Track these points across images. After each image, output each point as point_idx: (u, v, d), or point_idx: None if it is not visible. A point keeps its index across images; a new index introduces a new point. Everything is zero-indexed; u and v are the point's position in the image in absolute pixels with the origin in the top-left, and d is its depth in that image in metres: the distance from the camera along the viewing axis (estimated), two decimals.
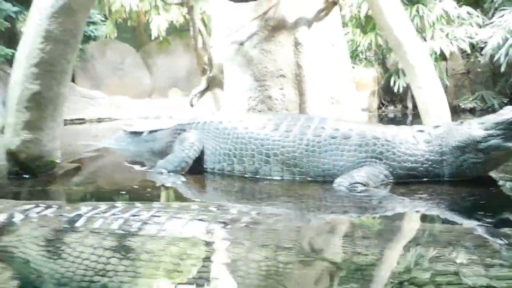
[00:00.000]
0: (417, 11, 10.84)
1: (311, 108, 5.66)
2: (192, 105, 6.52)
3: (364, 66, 12.33)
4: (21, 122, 4.08)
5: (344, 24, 10.75)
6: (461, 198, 3.49)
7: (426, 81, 5.95)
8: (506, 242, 2.16)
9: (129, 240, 2.21)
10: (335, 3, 6.11)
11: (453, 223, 2.97)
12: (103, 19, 11.90)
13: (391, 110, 13.10)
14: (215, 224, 2.28)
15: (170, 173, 4.26)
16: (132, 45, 14.37)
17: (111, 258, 2.12)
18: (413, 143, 3.82)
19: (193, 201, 3.55)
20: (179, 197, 3.78)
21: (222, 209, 2.50)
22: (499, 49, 10.22)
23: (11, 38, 9.57)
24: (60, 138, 4.51)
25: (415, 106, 12.73)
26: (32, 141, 4.13)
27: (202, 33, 6.11)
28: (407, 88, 12.30)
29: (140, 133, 5.69)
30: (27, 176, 4.28)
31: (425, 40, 10.83)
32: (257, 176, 4.06)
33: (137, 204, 2.62)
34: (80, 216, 2.44)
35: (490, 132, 3.64)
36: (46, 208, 2.60)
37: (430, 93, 5.93)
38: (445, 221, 2.99)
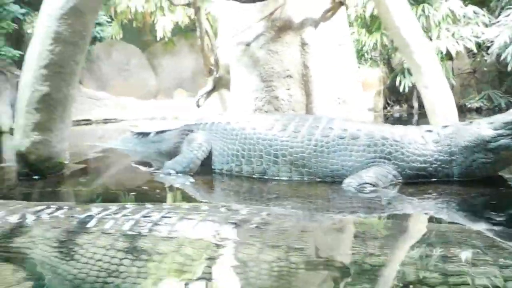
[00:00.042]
0: (423, 10, 10.80)
1: (318, 108, 5.65)
2: (198, 106, 6.53)
3: (369, 66, 12.29)
4: (31, 124, 4.11)
5: (349, 24, 10.71)
6: (471, 198, 3.48)
7: (433, 81, 5.93)
8: None
9: (141, 241, 2.21)
10: (341, 3, 6.10)
11: (464, 223, 2.96)
12: (109, 20, 11.95)
13: (396, 110, 13.06)
14: (226, 225, 2.28)
15: (179, 174, 4.27)
16: (138, 46, 14.42)
17: (124, 259, 2.13)
18: (422, 143, 3.81)
19: (203, 202, 3.56)
20: (188, 198, 3.79)
21: (232, 210, 2.50)
22: (506, 48, 10.16)
23: (19, 40, 9.65)
24: (68, 139, 4.54)
25: (421, 106, 12.72)
26: (41, 143, 4.15)
27: (209, 34, 6.11)
28: (413, 88, 12.26)
29: (147, 134, 5.71)
30: (36, 177, 4.31)
31: (431, 39, 10.78)
32: (265, 177, 4.06)
33: (147, 205, 2.63)
34: (91, 217, 2.45)
35: (500, 131, 3.63)
36: (57, 209, 2.61)
37: (437, 93, 5.92)
38: (455, 222, 2.98)
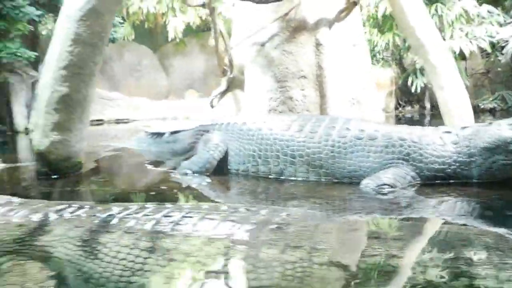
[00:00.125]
0: (436, 10, 10.70)
1: (332, 109, 5.64)
2: (212, 106, 6.55)
3: (381, 66, 12.22)
4: (50, 124, 4.17)
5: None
6: (491, 200, 3.44)
7: (448, 82, 5.89)
8: None
9: (163, 241, 2.22)
10: (355, 4, 6.08)
11: (484, 226, 2.93)
12: (121, 21, 12.05)
13: (408, 111, 12.97)
14: (247, 225, 2.28)
15: (195, 174, 4.29)
16: (149, 47, 14.53)
17: (148, 259, 2.15)
18: (441, 144, 3.78)
19: (221, 202, 3.57)
20: (206, 198, 3.80)
21: (252, 210, 2.50)
22: None
23: (34, 42, 9.78)
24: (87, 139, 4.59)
25: (433, 107, 12.63)
26: (60, 142, 4.21)
27: (223, 34, 6.13)
28: (425, 88, 12.17)
29: (162, 134, 5.75)
30: (55, 176, 4.37)
31: (444, 39, 10.67)
32: (282, 177, 4.06)
33: (167, 205, 2.64)
34: (112, 216, 2.47)
35: None
36: (79, 208, 2.64)
37: (452, 94, 5.87)
38: (475, 224, 2.95)
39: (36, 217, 2.58)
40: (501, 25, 10.77)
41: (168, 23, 12.85)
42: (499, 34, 10.56)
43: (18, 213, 2.64)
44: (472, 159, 3.70)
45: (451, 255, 1.99)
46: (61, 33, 4.09)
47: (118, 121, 11.86)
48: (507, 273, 1.76)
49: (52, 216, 2.57)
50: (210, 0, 5.82)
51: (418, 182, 3.76)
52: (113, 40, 11.22)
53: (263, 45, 5.80)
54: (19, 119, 9.71)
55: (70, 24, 4.01)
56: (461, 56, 11.27)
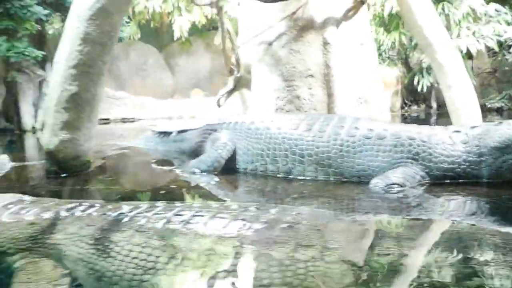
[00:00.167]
0: (443, 9, 10.64)
1: (339, 108, 5.63)
2: (219, 106, 6.56)
3: (387, 66, 12.17)
4: (60, 123, 4.19)
5: None
6: (501, 200, 3.42)
7: (456, 81, 5.86)
8: None
9: (175, 239, 2.23)
10: (363, 2, 6.06)
11: (494, 226, 2.91)
12: (127, 20, 12.07)
13: (414, 110, 12.92)
14: (258, 224, 2.28)
15: (203, 173, 4.30)
16: (155, 46, 14.56)
17: (160, 257, 2.15)
18: (450, 143, 3.76)
19: (231, 201, 3.57)
20: (215, 197, 3.81)
21: (262, 209, 2.50)
22: None
23: (41, 41, 9.83)
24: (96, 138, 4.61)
25: (439, 106, 12.57)
26: (70, 141, 4.23)
27: (230, 33, 6.13)
28: (431, 88, 12.12)
29: (169, 133, 5.76)
30: (64, 175, 4.39)
31: (450, 38, 10.62)
32: (290, 176, 4.07)
33: (177, 203, 2.65)
34: (123, 215, 2.48)
35: None
36: (90, 207, 2.65)
37: (460, 93, 5.85)
38: (485, 224, 2.94)
39: (48, 215, 2.59)
40: (508, 24, 10.69)
41: (174, 22, 12.86)
42: (507, 33, 10.49)
43: (30, 211, 2.66)
44: (482, 158, 3.68)
45: (463, 255, 1.99)
46: (70, 32, 4.11)
47: (124, 120, 11.90)
48: None
49: (63, 214, 2.59)
50: None
51: (427, 181, 3.75)
52: (119, 40, 11.27)
53: (270, 44, 5.79)
54: (27, 118, 9.77)
55: (80, 23, 4.03)
56: (467, 55, 11.20)
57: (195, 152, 4.97)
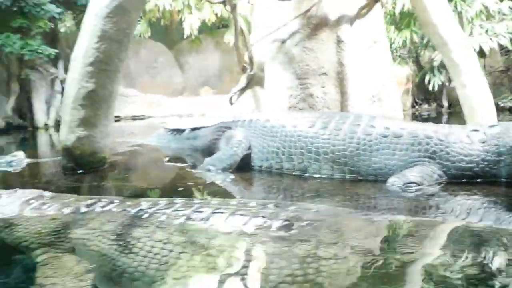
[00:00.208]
0: (455, 7, 10.53)
1: (353, 106, 5.60)
2: (231, 103, 6.57)
3: (398, 64, 12.09)
4: (77, 120, 4.23)
5: None
6: None
7: (470, 79, 5.81)
8: None
9: (196, 236, 2.24)
10: (376, 0, 6.03)
11: None
12: (138, 18, 12.07)
13: (425, 109, 12.82)
14: (277, 221, 2.28)
15: (218, 171, 4.31)
16: (165, 44, 14.60)
17: (182, 253, 2.16)
18: (468, 142, 3.74)
19: (248, 198, 3.58)
20: (232, 195, 3.82)
21: (281, 207, 2.50)
22: None
23: (53, 39, 9.91)
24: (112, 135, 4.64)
25: (450, 105, 12.47)
26: (86, 138, 4.27)
27: (244, 31, 6.13)
28: (442, 86, 12.01)
29: (182, 130, 5.78)
30: (80, 171, 4.43)
31: None
32: (306, 174, 4.06)
33: (196, 200, 2.66)
34: (143, 211, 2.49)
35: None
36: (109, 203, 2.67)
37: (475, 92, 5.80)
38: (504, 225, 2.91)
39: (68, 211, 2.62)
40: None
41: (184, 20, 12.88)
42: None
43: (51, 206, 2.69)
44: (500, 158, 3.65)
45: (491, 255, 1.97)
46: (88, 30, 4.14)
47: (134, 118, 11.96)
48: None
49: (84, 210, 2.61)
50: None
51: (445, 180, 3.73)
52: None
53: (284, 42, 5.78)
54: (39, 116, 9.88)
55: (97, 21, 4.06)
56: (480, 54, 11.08)
57: (208, 150, 4.98)
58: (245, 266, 2.03)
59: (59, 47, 9.72)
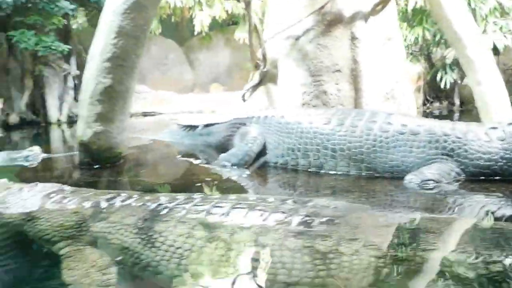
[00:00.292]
0: (469, 3, 10.39)
1: (367, 103, 5.58)
2: (244, 100, 6.57)
3: (409, 61, 11.98)
4: (93, 115, 4.27)
5: None
6: None
7: (485, 76, 5.75)
8: None
9: (216, 230, 2.25)
10: None
11: None
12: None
13: (436, 107, 12.71)
14: (297, 217, 2.28)
15: (234, 167, 4.33)
16: (175, 40, 14.65)
17: (205, 248, 2.18)
18: (486, 140, 3.71)
19: (265, 194, 3.59)
20: (248, 191, 3.84)
21: (300, 203, 2.50)
22: None
23: (66, 35, 10.00)
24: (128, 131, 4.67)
25: (462, 103, 12.34)
26: (103, 133, 4.31)
27: (258, 28, 6.13)
28: (454, 84, 11.89)
29: (195, 127, 5.80)
30: (96, 166, 4.47)
31: None
32: (321, 171, 4.06)
33: (214, 195, 2.67)
34: (162, 206, 2.51)
35: None
36: (128, 197, 2.69)
37: (490, 90, 5.73)
38: None
39: (89, 205, 2.64)
40: None
41: (195, 17, 12.91)
42: None
43: (71, 200, 2.71)
44: None
45: (502, 253, 1.96)
46: (105, 26, 4.18)
47: (145, 114, 12.02)
48: None
49: (104, 204, 2.64)
50: None
51: (463, 178, 3.70)
52: None
53: (297, 38, 5.77)
54: (53, 111, 9.98)
55: (115, 17, 4.09)
56: (493, 51, 10.94)
57: (222, 146, 5.00)
58: (268, 261, 2.04)
59: (71, 44, 9.80)
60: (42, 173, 4.62)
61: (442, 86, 11.70)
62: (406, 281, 1.90)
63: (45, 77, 9.69)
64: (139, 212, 2.49)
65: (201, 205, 2.46)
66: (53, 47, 8.56)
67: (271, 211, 2.34)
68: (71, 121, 9.98)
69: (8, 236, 2.66)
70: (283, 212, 2.33)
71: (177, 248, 2.22)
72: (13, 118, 9.55)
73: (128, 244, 2.34)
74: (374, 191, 3.56)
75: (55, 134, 9.07)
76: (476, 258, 1.96)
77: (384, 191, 3.56)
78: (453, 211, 3.12)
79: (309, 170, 4.13)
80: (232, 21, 13.89)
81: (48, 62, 9.50)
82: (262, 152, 4.44)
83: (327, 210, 2.40)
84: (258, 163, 4.26)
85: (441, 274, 1.88)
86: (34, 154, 5.12)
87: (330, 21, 5.67)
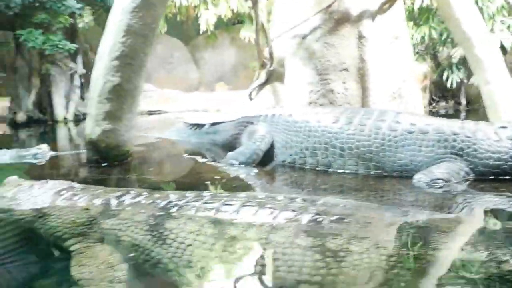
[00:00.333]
0: (476, 2, 10.33)
1: (374, 102, 5.56)
2: (251, 99, 6.58)
3: (415, 61, 11.93)
4: (102, 113, 4.29)
5: None
6: None
7: (495, 76, 5.72)
8: None
9: (227, 228, 2.26)
10: None
11: None
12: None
13: (442, 106, 12.65)
14: (307, 215, 2.28)
15: (241, 165, 4.33)
16: (181, 39, 14.68)
17: (215, 245, 2.18)
18: (496, 139, 3.69)
19: (274, 192, 3.58)
20: (257, 189, 3.84)
21: (309, 201, 2.50)
22: None
23: (72, 34, 10.04)
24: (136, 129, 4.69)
25: (468, 102, 12.27)
26: (111, 131, 4.33)
27: (265, 26, 6.13)
28: (461, 84, 11.83)
29: (202, 125, 5.81)
30: (104, 164, 4.49)
31: None
32: (330, 170, 4.06)
33: (223, 193, 2.67)
34: (172, 203, 2.52)
35: None
36: (138, 195, 2.70)
37: (499, 89, 5.70)
38: None
39: (99, 202, 2.66)
40: None
41: (200, 16, 12.94)
42: None
43: (82, 197, 2.73)
44: None
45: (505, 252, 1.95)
46: (114, 24, 4.19)
47: (150, 113, 12.05)
48: None
49: (114, 202, 2.65)
50: None
51: (472, 177, 3.69)
52: None
53: (304, 37, 5.76)
54: (59, 110, 10.04)
55: (123, 15, 4.10)
56: (501, 50, 10.86)
57: (229, 145, 5.01)
58: (279, 259, 2.04)
59: (78, 42, 9.85)
60: (51, 170, 4.65)
61: (448, 85, 11.64)
62: (416, 280, 1.89)
63: (52, 75, 9.75)
64: (149, 210, 2.50)
65: (211, 202, 2.47)
66: (60, 46, 8.60)
67: (281, 209, 2.34)
68: (77, 119, 10.04)
69: (20, 232, 2.67)
70: (293, 210, 2.33)
71: (188, 245, 2.22)
72: (21, 117, 9.62)
73: (138, 241, 2.35)
74: (382, 190, 3.55)
75: (61, 133, 9.12)
76: (487, 257, 1.95)
77: (393, 190, 3.56)
78: (463, 210, 3.10)
79: (317, 168, 4.13)
80: (237, 20, 13.90)
81: (55, 60, 9.55)
82: (270, 150, 4.44)
83: (337, 209, 2.40)
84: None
85: (451, 273, 1.88)
86: (42, 152, 5.16)
87: (337, 20, 5.65)
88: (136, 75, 4.29)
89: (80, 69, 10.25)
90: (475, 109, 11.70)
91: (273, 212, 2.33)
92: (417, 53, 12.21)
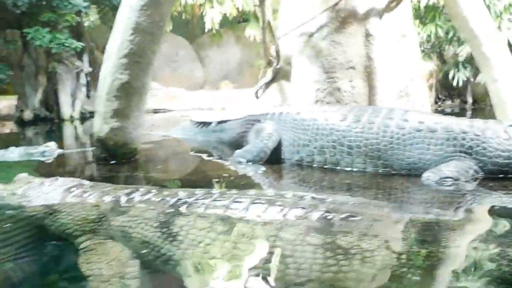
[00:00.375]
0: (484, 0, 10.27)
1: (381, 100, 5.54)
2: (257, 97, 6.57)
3: (421, 59, 11.88)
4: (110, 111, 4.30)
5: None
6: None
7: (503, 74, 5.69)
8: None
9: (237, 225, 2.26)
10: None
11: None
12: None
13: (448, 105, 12.60)
14: (316, 213, 2.28)
15: (249, 163, 4.34)
16: (186, 38, 14.70)
17: (226, 242, 2.18)
18: (506, 138, 3.67)
19: (283, 190, 3.59)
20: (265, 187, 3.84)
21: (318, 199, 2.49)
22: None
23: (79, 32, 10.08)
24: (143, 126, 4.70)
25: (475, 101, 12.21)
26: (119, 129, 4.34)
27: (271, 24, 6.12)
28: (467, 82, 11.78)
29: (208, 123, 5.81)
30: (112, 161, 4.51)
31: None
32: (337, 168, 4.05)
33: (233, 191, 2.67)
34: (181, 200, 2.52)
35: None
36: (147, 192, 2.70)
37: (506, 87, 5.67)
38: None
39: (109, 199, 2.67)
40: None
41: (205, 14, 12.94)
42: None
43: (91, 194, 2.74)
44: None
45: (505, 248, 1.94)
46: (122, 23, 4.20)
47: (155, 111, 12.08)
48: None
49: (123, 199, 2.65)
50: None
51: (481, 176, 3.67)
52: None
53: (311, 35, 5.74)
54: (65, 108, 10.09)
55: (131, 13, 4.11)
56: (508, 48, 10.79)
57: (236, 143, 5.01)
58: (290, 256, 2.04)
59: (84, 41, 9.89)
60: (59, 168, 4.67)
61: (454, 84, 11.59)
62: (429, 277, 1.89)
63: (58, 74, 9.80)
64: (159, 207, 2.51)
65: (220, 200, 2.47)
66: (66, 44, 8.64)
67: (291, 207, 2.34)
68: (83, 117, 10.09)
69: (30, 228, 2.69)
70: (303, 208, 2.33)
71: (198, 242, 2.23)
72: (27, 115, 9.68)
73: (148, 238, 2.35)
74: (391, 188, 3.54)
75: (68, 130, 9.17)
76: (498, 255, 1.94)
77: (401, 188, 3.54)
78: (472, 208, 3.09)
79: (324, 166, 4.12)
80: (242, 18, 13.90)
81: (61, 59, 9.60)
82: (277, 148, 4.43)
83: (346, 206, 2.39)
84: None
85: (463, 270, 1.87)
86: (50, 149, 5.18)
87: (344, 18, 5.64)
88: (144, 73, 4.30)
89: (86, 67, 10.29)
90: (481, 107, 11.64)
91: (283, 209, 2.32)
92: (423, 51, 12.15)
